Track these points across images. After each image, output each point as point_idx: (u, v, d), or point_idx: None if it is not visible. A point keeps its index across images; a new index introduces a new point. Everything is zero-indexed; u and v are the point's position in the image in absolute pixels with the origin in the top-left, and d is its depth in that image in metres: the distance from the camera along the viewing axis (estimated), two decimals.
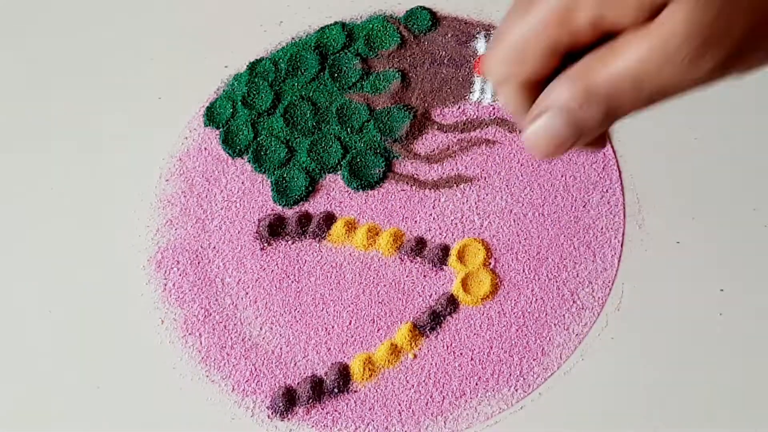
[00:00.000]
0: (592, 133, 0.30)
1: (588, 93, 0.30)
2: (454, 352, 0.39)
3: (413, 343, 0.39)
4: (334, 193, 0.43)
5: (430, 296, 0.40)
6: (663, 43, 0.29)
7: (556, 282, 0.40)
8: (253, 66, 0.46)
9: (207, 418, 0.38)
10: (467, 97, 0.44)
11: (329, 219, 0.42)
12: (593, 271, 0.40)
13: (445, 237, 0.41)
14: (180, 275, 0.41)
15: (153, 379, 0.39)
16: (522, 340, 0.39)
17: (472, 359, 0.39)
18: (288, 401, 0.38)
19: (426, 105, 0.44)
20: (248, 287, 0.41)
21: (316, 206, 0.42)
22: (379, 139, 0.43)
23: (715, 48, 0.30)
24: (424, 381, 0.38)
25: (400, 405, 0.38)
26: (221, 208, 0.43)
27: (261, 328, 0.40)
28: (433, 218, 0.42)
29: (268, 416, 0.38)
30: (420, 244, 0.41)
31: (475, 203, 0.42)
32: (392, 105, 0.44)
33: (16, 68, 0.48)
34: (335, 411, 0.38)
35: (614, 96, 0.30)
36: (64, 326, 0.40)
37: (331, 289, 0.40)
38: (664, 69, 0.28)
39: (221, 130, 0.44)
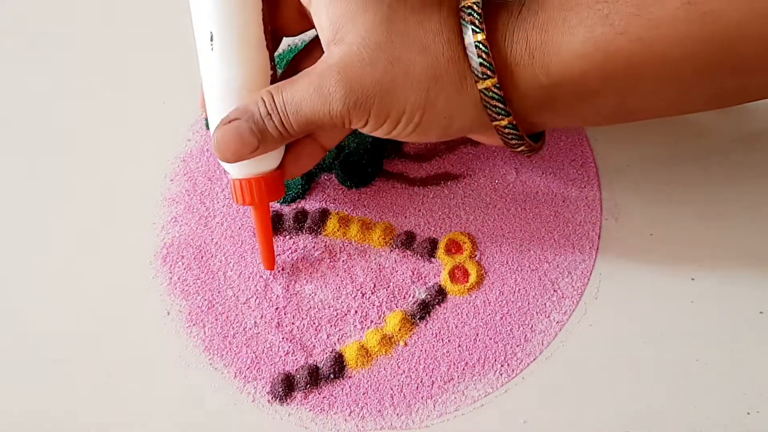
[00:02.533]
0: (273, 141, 0.34)
1: (273, 108, 0.34)
2: (442, 340, 0.39)
3: (404, 332, 0.40)
4: (329, 190, 0.43)
5: (420, 287, 0.41)
6: (316, 77, 0.33)
7: (538, 273, 0.40)
8: None
9: (211, 404, 0.38)
10: None
11: (324, 215, 0.42)
12: (572, 262, 0.41)
13: (433, 231, 0.42)
14: (184, 269, 0.42)
15: (160, 367, 0.39)
16: (506, 328, 0.39)
17: (459, 346, 0.39)
18: (287, 387, 0.38)
19: None
20: (249, 280, 0.41)
21: (311, 203, 0.43)
22: (370, 139, 0.44)
23: (350, 95, 0.33)
24: (414, 367, 0.39)
25: (392, 389, 0.38)
26: (223, 206, 0.43)
27: (261, 318, 0.40)
28: (422, 213, 0.42)
29: (269, 401, 0.38)
30: (410, 237, 0.42)
31: (462, 199, 0.43)
32: None
33: (34, 78, 0.48)
34: (331, 396, 0.38)
35: (287, 114, 0.34)
36: (76, 318, 0.41)
37: (326, 281, 0.41)
38: (314, 101, 0.32)
39: None
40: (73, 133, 0.46)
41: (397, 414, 0.38)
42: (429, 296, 0.40)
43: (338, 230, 0.42)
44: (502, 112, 0.33)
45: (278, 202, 0.43)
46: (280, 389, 0.39)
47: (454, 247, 0.42)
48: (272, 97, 0.34)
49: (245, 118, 0.35)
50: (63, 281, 0.42)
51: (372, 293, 0.41)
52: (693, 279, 0.40)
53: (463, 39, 0.33)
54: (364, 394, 0.39)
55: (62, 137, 0.46)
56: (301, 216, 0.42)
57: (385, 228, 0.42)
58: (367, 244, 0.42)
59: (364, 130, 0.35)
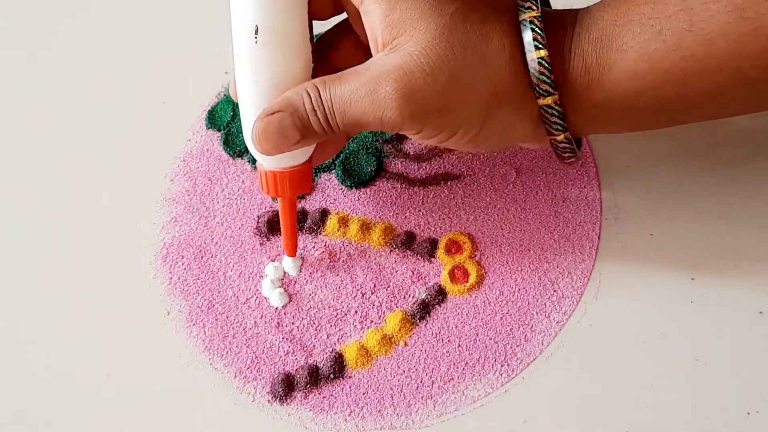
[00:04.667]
0: (315, 137, 0.34)
1: (318, 104, 0.33)
2: (442, 340, 0.39)
3: (404, 332, 0.40)
4: (329, 190, 0.43)
5: (420, 287, 0.41)
6: (370, 80, 0.32)
7: (538, 273, 0.41)
8: None
9: (211, 404, 0.39)
10: None
11: (324, 215, 0.42)
12: (572, 262, 0.41)
13: (433, 231, 0.42)
14: (185, 269, 0.42)
15: (160, 366, 0.39)
16: (506, 328, 0.39)
17: (459, 346, 0.39)
18: (287, 387, 0.38)
19: None
20: (249, 280, 0.41)
21: (311, 203, 0.43)
22: (371, 139, 0.44)
23: (407, 106, 0.32)
24: (414, 367, 0.39)
25: (392, 389, 0.38)
26: (223, 206, 0.43)
27: (261, 318, 0.40)
28: (422, 213, 0.42)
29: (269, 401, 0.38)
30: (410, 238, 0.42)
31: (462, 199, 0.43)
32: None
33: (34, 78, 0.48)
34: (331, 396, 0.38)
35: (333, 112, 0.33)
36: (76, 318, 0.41)
37: (326, 281, 0.41)
38: (365, 104, 0.32)
39: (222, 132, 0.45)
40: (73, 133, 0.46)
41: (397, 414, 0.38)
42: (429, 296, 0.40)
43: (338, 230, 0.42)
44: (561, 128, 0.34)
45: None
46: (280, 389, 0.39)
47: (454, 247, 0.42)
48: (318, 92, 0.34)
49: (289, 111, 0.34)
50: (63, 281, 0.42)
51: (372, 293, 0.41)
52: (693, 279, 0.40)
53: (523, 54, 0.33)
54: (364, 394, 0.39)
55: (62, 137, 0.46)
56: (301, 216, 0.43)
57: (385, 228, 0.42)
58: (367, 244, 0.42)
59: (415, 138, 0.35)
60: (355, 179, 0.43)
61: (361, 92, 0.33)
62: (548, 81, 0.32)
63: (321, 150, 0.38)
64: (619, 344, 0.39)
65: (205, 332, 0.40)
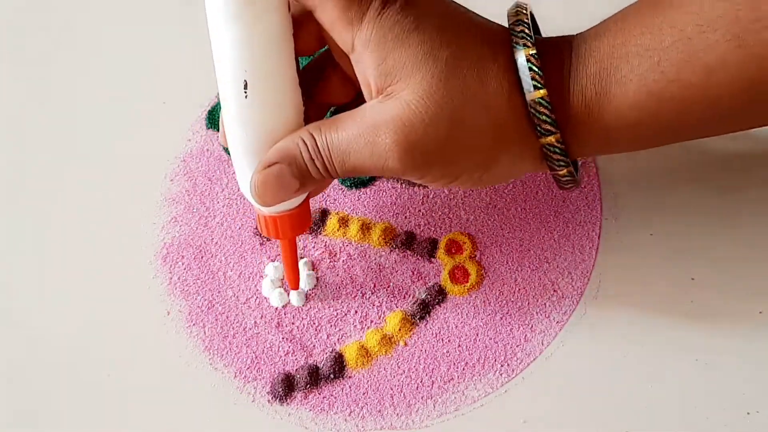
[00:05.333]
0: (314, 184, 0.33)
1: (316, 153, 0.33)
2: (442, 340, 0.39)
3: (404, 332, 0.40)
4: (329, 190, 0.43)
5: (420, 287, 0.41)
6: (367, 130, 0.32)
7: (538, 272, 0.41)
8: None
9: (211, 404, 0.39)
10: None
11: (324, 215, 0.43)
12: (572, 261, 0.41)
13: (433, 231, 0.42)
14: (185, 269, 0.42)
15: (160, 367, 0.39)
16: (506, 328, 0.40)
17: (459, 346, 0.39)
18: (287, 387, 0.39)
19: None
20: (249, 280, 0.41)
21: (312, 203, 0.42)
22: None
23: (408, 158, 0.32)
24: (414, 367, 0.39)
25: (392, 389, 0.38)
26: (223, 206, 0.43)
27: (261, 318, 0.41)
28: (422, 213, 0.42)
29: (269, 401, 0.39)
30: (410, 237, 0.42)
31: (462, 199, 0.43)
32: None
33: (34, 78, 0.48)
34: (331, 396, 0.38)
35: (332, 160, 0.33)
36: (76, 318, 0.41)
37: (326, 281, 0.41)
38: (364, 154, 0.31)
39: None
40: (73, 133, 0.46)
41: (397, 414, 0.38)
42: (429, 296, 0.41)
43: (338, 230, 0.42)
44: (564, 164, 0.33)
45: None
46: (280, 389, 0.39)
47: (454, 247, 0.42)
48: (314, 140, 0.33)
49: (287, 162, 0.33)
50: (63, 281, 0.42)
51: (372, 293, 0.41)
52: (693, 279, 0.40)
53: (522, 93, 0.32)
54: (364, 394, 0.39)
55: (62, 137, 0.46)
56: None
57: (385, 228, 0.42)
58: (367, 244, 0.42)
59: (417, 182, 0.35)
60: (355, 179, 0.43)
61: (360, 142, 0.32)
62: (549, 120, 0.32)
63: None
64: (619, 344, 0.39)
65: (205, 332, 0.40)
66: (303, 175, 0.34)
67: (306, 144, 0.33)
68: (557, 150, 0.33)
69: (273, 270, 0.41)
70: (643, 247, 0.41)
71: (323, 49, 0.36)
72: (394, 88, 0.32)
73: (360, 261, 0.42)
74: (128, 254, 0.42)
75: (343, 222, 0.42)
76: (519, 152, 0.33)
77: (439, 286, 0.41)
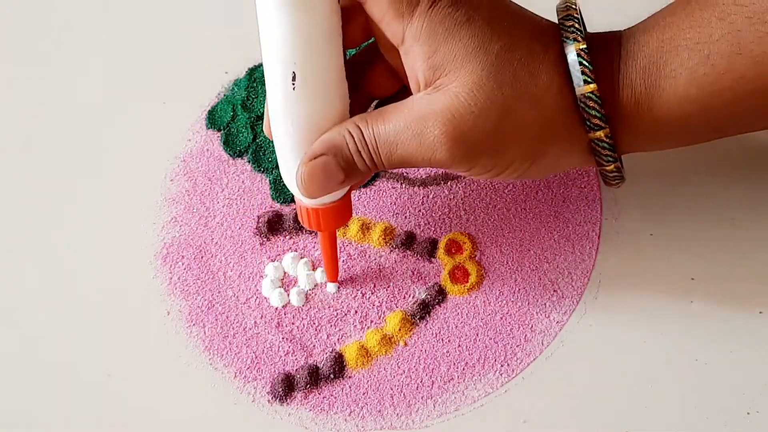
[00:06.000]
0: (360, 176, 0.33)
1: (362, 145, 0.33)
2: (442, 340, 0.39)
3: (404, 332, 0.40)
4: None
5: (420, 287, 0.41)
6: (415, 121, 0.32)
7: (538, 273, 0.41)
8: (252, 72, 0.46)
9: (211, 404, 0.39)
10: None
11: None
12: (572, 262, 0.41)
13: (433, 231, 0.42)
14: (185, 269, 0.42)
15: (160, 367, 0.39)
16: (506, 328, 0.40)
17: (459, 346, 0.39)
18: (287, 387, 0.39)
19: None
20: (249, 280, 0.41)
21: None
22: None
23: (457, 149, 0.32)
24: (414, 367, 0.39)
25: (392, 389, 0.39)
26: (223, 206, 0.43)
27: (261, 318, 0.40)
28: (422, 213, 0.42)
29: (269, 401, 0.39)
30: (410, 237, 0.42)
31: (462, 199, 0.43)
32: None
33: (34, 78, 0.48)
34: (331, 396, 0.38)
35: (378, 152, 0.33)
36: (76, 318, 0.41)
37: (327, 281, 0.41)
38: (411, 145, 0.31)
39: (222, 132, 0.45)
40: (73, 133, 0.46)
41: (397, 414, 0.38)
42: (429, 296, 0.41)
43: (338, 230, 0.42)
44: (611, 159, 0.34)
45: (278, 201, 0.43)
46: (280, 389, 0.39)
47: (454, 247, 0.42)
48: (361, 132, 0.33)
49: (333, 153, 0.33)
50: (63, 281, 0.42)
51: (372, 293, 0.41)
52: (693, 279, 0.40)
53: (571, 87, 0.32)
54: (364, 394, 0.39)
55: (62, 137, 0.46)
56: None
57: (385, 228, 0.42)
58: (367, 244, 0.42)
59: (464, 174, 0.35)
60: None
61: (408, 133, 0.32)
62: (599, 115, 0.32)
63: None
64: (619, 344, 0.39)
65: (205, 332, 0.40)
66: (349, 167, 0.34)
67: (352, 136, 0.33)
68: (606, 145, 0.33)
69: (273, 270, 0.41)
70: (643, 247, 0.41)
71: (367, 43, 0.36)
72: (444, 80, 0.32)
73: (360, 261, 0.42)
74: (128, 254, 0.42)
75: None
76: (566, 146, 0.33)
77: (439, 286, 0.41)
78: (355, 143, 0.33)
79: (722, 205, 0.42)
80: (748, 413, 0.37)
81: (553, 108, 0.32)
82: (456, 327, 0.40)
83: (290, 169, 0.35)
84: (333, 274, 0.40)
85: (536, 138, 0.33)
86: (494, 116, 0.32)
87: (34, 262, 0.43)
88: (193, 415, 0.39)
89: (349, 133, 0.33)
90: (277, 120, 0.34)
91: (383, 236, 0.42)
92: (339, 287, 0.41)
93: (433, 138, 0.32)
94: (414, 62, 0.33)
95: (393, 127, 0.33)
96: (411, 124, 0.32)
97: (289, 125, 0.34)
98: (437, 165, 0.33)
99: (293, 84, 0.33)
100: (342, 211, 0.37)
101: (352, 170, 0.34)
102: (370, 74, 0.37)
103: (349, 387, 0.39)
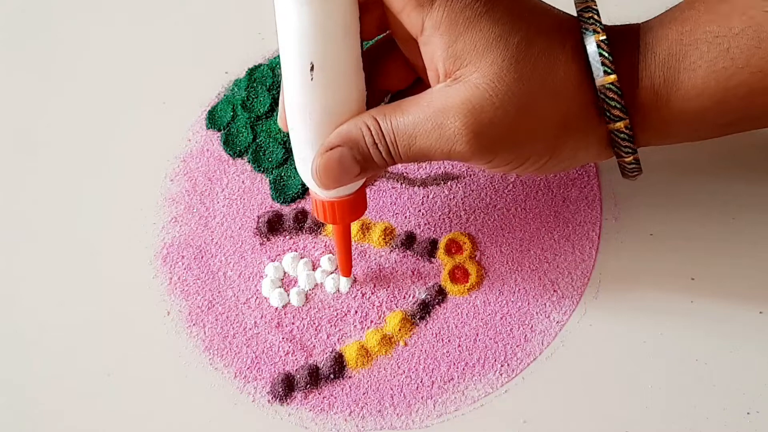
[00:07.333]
0: (376, 168, 0.33)
1: (380, 137, 0.32)
2: (442, 340, 0.39)
3: (404, 332, 0.40)
4: None
5: (420, 287, 0.41)
6: (435, 113, 0.31)
7: (538, 273, 0.41)
8: (252, 72, 0.47)
9: (211, 404, 0.39)
10: None
11: None
12: (572, 262, 0.41)
13: (433, 231, 0.42)
14: (185, 269, 0.42)
15: (160, 366, 0.40)
16: (506, 328, 0.40)
17: (459, 346, 0.39)
18: (287, 387, 0.39)
19: None
20: (248, 280, 0.41)
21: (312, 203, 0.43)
22: None
23: (477, 141, 0.32)
24: (414, 367, 0.39)
25: (392, 389, 0.39)
26: (223, 206, 0.43)
27: (261, 318, 0.41)
28: (422, 213, 0.42)
29: (269, 401, 0.39)
30: (410, 238, 0.42)
31: (462, 199, 0.43)
32: None
33: (34, 78, 0.48)
34: (331, 396, 0.39)
35: (396, 145, 0.33)
36: (76, 318, 0.41)
37: (324, 281, 0.41)
38: (431, 137, 0.31)
39: (222, 132, 0.45)
40: (73, 133, 0.46)
41: (397, 414, 0.38)
42: (429, 296, 0.41)
43: None
44: (630, 151, 0.34)
45: (278, 201, 0.43)
46: (280, 389, 0.39)
47: (454, 247, 0.42)
48: (378, 124, 0.33)
49: (349, 145, 0.33)
50: (63, 281, 0.42)
51: (372, 293, 0.41)
52: (693, 279, 0.40)
53: (591, 79, 0.32)
54: (364, 394, 0.39)
55: (62, 137, 0.46)
56: (301, 216, 0.43)
57: (385, 228, 0.42)
58: (367, 244, 0.42)
59: (482, 167, 0.35)
60: None
61: (427, 126, 0.32)
62: (619, 106, 0.32)
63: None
64: (619, 344, 0.39)
65: (205, 332, 0.40)
66: (365, 160, 0.34)
67: (369, 128, 0.33)
68: (625, 136, 0.33)
69: (273, 270, 0.41)
70: (643, 247, 0.41)
71: (381, 36, 0.36)
72: (464, 71, 0.32)
73: (360, 261, 0.42)
74: (128, 254, 0.42)
75: None
76: (585, 139, 0.33)
77: (439, 286, 0.41)
78: (372, 136, 0.33)
79: (722, 205, 0.42)
80: (748, 413, 0.37)
81: (572, 101, 0.32)
82: (456, 327, 0.40)
83: (306, 161, 0.35)
84: (347, 269, 0.40)
85: (555, 131, 0.33)
86: (514, 109, 0.32)
87: (35, 262, 0.43)
88: (193, 415, 0.39)
89: (366, 125, 0.33)
90: (293, 111, 0.34)
91: (383, 236, 0.42)
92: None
93: (454, 130, 0.32)
94: (434, 52, 0.32)
95: (412, 119, 0.32)
96: (431, 117, 0.32)
97: (307, 116, 0.34)
98: (456, 158, 0.33)
99: (311, 75, 0.33)
100: (356, 205, 0.37)
101: (367, 163, 0.34)
102: (384, 68, 0.37)
103: (349, 387, 0.39)
